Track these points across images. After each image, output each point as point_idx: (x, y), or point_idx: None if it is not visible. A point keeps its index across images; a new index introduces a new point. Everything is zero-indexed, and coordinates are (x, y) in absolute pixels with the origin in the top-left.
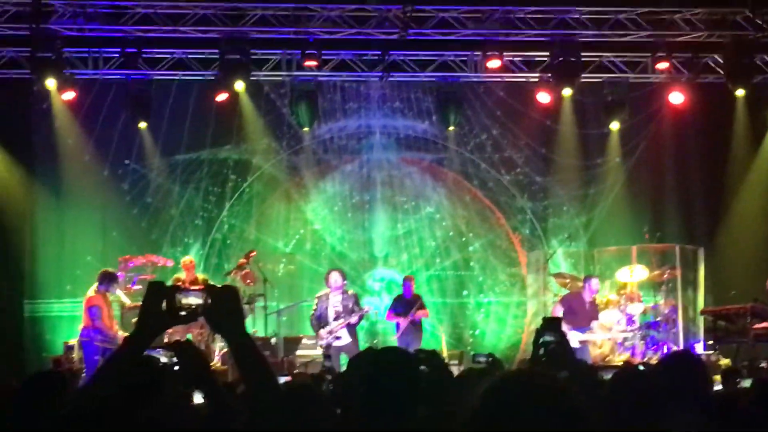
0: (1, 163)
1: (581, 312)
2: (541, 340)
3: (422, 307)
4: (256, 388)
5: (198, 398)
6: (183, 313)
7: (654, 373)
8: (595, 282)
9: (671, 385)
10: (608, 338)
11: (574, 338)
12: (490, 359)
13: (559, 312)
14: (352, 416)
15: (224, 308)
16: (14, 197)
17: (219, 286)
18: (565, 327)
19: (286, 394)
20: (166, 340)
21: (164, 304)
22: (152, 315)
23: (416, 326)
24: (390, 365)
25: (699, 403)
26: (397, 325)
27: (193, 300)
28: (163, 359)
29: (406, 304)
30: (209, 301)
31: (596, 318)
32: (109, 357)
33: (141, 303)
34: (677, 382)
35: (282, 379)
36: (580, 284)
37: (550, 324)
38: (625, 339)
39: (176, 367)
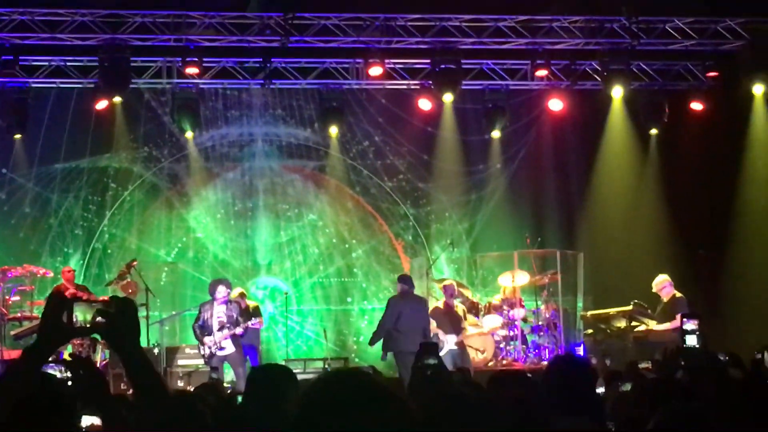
0: None
1: (452, 319)
2: (420, 364)
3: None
4: (148, 400)
5: (86, 421)
6: (85, 325)
7: (541, 377)
8: (448, 286)
9: (558, 389)
10: (488, 342)
11: (451, 341)
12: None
13: (433, 325)
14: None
15: (123, 321)
16: None
17: (117, 297)
18: (441, 335)
19: (175, 405)
20: None
21: (65, 316)
22: (54, 327)
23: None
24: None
25: (584, 406)
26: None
27: (79, 314)
28: (58, 375)
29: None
30: (109, 313)
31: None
32: (6, 369)
33: (29, 315)
34: (564, 385)
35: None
36: (464, 290)
37: (429, 348)
38: (507, 343)
39: (70, 383)
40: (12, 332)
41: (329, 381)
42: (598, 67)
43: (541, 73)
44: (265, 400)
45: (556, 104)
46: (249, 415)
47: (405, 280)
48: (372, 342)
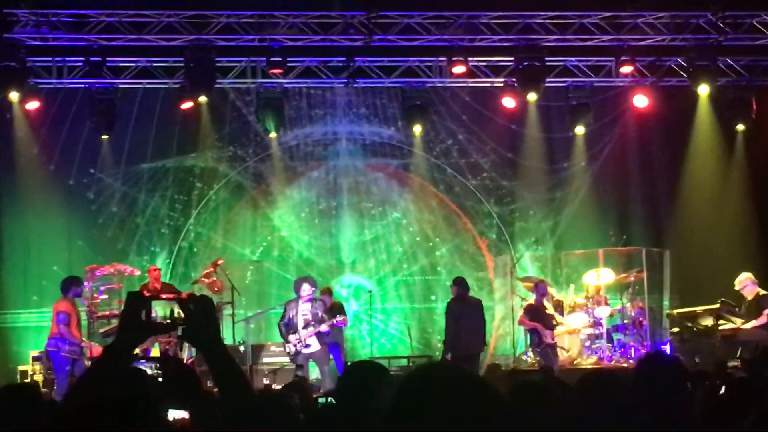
0: None
1: (545, 316)
2: None
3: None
4: (231, 397)
5: (173, 415)
6: (164, 322)
7: (631, 376)
8: (541, 285)
9: (648, 388)
10: (573, 340)
11: (549, 337)
12: None
13: (527, 323)
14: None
15: (200, 318)
16: None
17: (195, 295)
18: (540, 329)
19: (260, 402)
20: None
21: (143, 314)
22: (133, 325)
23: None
24: None
25: (674, 405)
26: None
27: (160, 311)
28: (149, 371)
29: (328, 311)
30: (188, 310)
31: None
32: (90, 367)
33: (120, 313)
34: (655, 384)
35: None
36: (549, 288)
37: None
38: (592, 342)
39: (160, 379)
40: (101, 330)
41: (422, 373)
42: (684, 63)
43: (626, 69)
44: (360, 396)
45: (641, 101)
46: (344, 411)
47: (460, 283)
48: (446, 349)
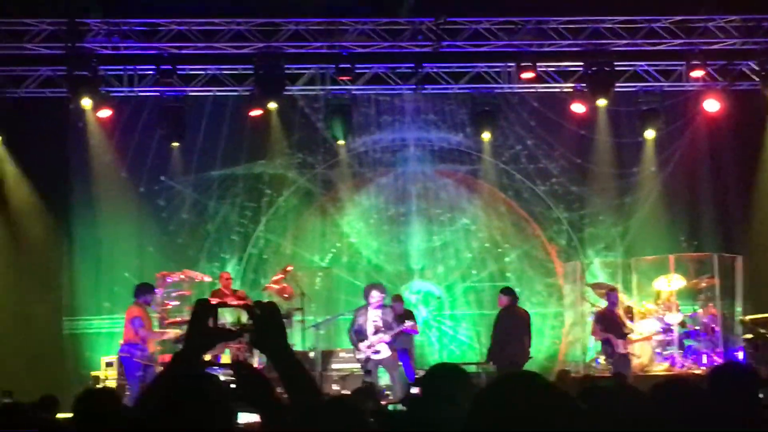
0: (37, 181)
1: (617, 324)
2: None
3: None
4: (301, 402)
5: (243, 418)
6: (233, 328)
7: (705, 385)
8: (613, 294)
9: (722, 397)
10: (644, 346)
11: (621, 346)
12: None
13: (600, 333)
14: None
15: (267, 324)
16: (51, 215)
17: (261, 302)
18: (613, 339)
19: (329, 407)
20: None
21: (211, 321)
22: (200, 332)
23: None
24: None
25: (749, 414)
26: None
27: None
28: (222, 378)
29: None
30: (253, 317)
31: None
32: (159, 373)
33: (188, 320)
34: (728, 393)
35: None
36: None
37: None
38: (664, 348)
39: (233, 386)
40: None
41: (504, 382)
42: (756, 67)
43: (697, 74)
44: (439, 400)
45: (712, 105)
46: (417, 416)
47: (509, 292)
48: (489, 358)
